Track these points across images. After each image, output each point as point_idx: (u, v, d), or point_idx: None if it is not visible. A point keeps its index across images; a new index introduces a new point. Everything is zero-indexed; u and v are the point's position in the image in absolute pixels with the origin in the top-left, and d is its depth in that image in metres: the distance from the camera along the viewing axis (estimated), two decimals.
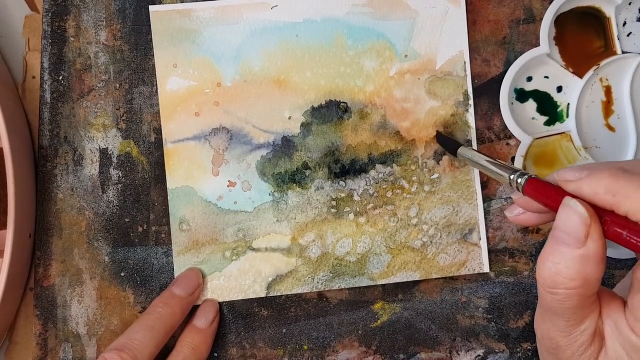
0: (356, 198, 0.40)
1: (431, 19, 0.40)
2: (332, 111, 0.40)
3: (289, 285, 0.40)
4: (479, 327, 0.40)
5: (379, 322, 0.40)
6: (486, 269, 0.40)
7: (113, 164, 0.40)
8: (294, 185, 0.40)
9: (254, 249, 0.40)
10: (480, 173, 0.40)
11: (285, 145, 0.40)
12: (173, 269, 0.40)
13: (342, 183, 0.40)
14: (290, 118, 0.40)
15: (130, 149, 0.40)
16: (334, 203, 0.40)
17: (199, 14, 0.39)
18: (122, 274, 0.40)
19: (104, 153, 0.40)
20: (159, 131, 0.40)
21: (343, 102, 0.40)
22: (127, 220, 0.40)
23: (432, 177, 0.40)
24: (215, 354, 0.40)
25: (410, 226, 0.40)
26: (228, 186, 0.40)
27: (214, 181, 0.40)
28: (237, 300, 0.40)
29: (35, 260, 0.40)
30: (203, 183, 0.40)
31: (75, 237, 0.40)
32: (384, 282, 0.40)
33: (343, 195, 0.40)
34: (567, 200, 0.26)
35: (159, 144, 0.40)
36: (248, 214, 0.40)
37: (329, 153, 0.40)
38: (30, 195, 0.39)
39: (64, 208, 0.40)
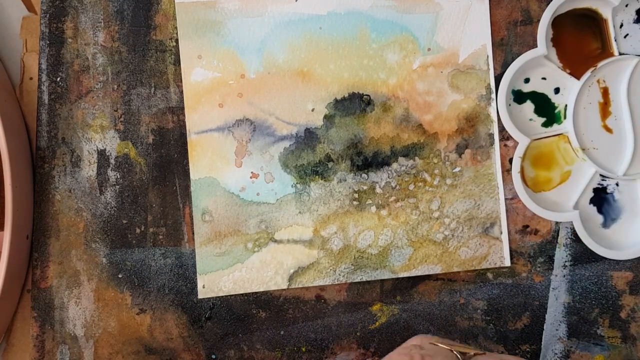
0: (378, 190, 0.40)
1: (454, 12, 0.40)
2: (354, 103, 0.40)
3: (310, 277, 0.40)
4: (477, 329, 0.40)
5: (377, 323, 0.40)
6: (507, 262, 0.40)
7: (111, 165, 0.40)
8: (317, 177, 0.40)
9: (275, 241, 0.40)
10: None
11: (308, 137, 0.40)
12: (170, 270, 0.40)
13: (364, 175, 0.40)
14: (313, 110, 0.40)
15: (127, 150, 0.40)
16: (356, 195, 0.40)
17: (223, 5, 0.40)
18: (120, 276, 0.40)
19: (102, 154, 0.40)
20: (156, 132, 0.40)
21: (366, 95, 0.40)
22: (124, 221, 0.40)
23: (454, 170, 0.40)
24: (213, 356, 0.40)
25: (432, 219, 0.40)
26: (251, 177, 0.40)
27: (236, 172, 0.40)
28: (235, 302, 0.40)
29: (33, 262, 0.39)
30: (226, 174, 0.40)
31: (72, 239, 0.40)
32: (405, 274, 0.40)
33: (365, 187, 0.40)
34: None
35: (156, 145, 0.40)
36: (270, 205, 0.40)
37: (351, 145, 0.40)
38: (28, 197, 0.39)
39: (62, 209, 0.40)
